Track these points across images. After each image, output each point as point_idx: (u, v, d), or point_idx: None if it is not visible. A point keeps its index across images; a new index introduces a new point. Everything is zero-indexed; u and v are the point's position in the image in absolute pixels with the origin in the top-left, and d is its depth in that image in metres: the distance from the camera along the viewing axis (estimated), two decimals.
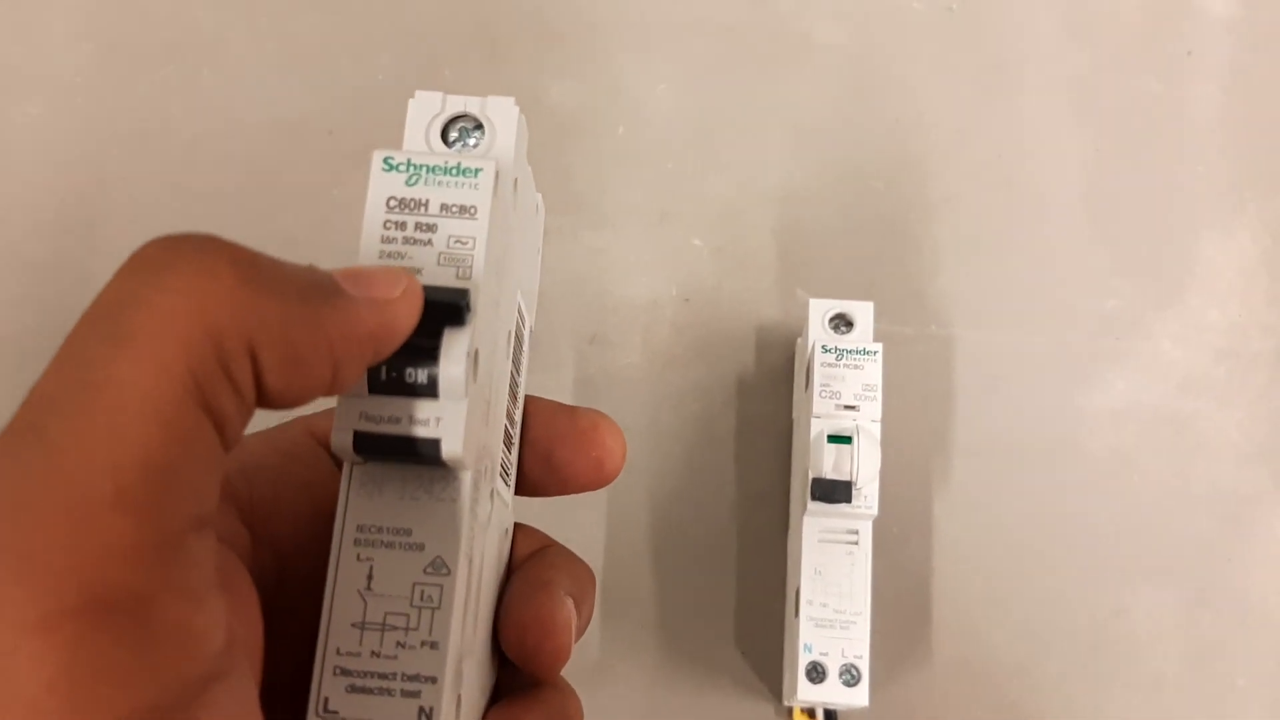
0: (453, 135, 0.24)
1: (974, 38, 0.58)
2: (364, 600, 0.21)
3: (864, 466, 0.42)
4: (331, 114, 0.58)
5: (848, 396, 0.44)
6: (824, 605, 0.43)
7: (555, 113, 0.58)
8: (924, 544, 0.51)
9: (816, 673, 0.43)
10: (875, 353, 0.44)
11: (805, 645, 0.43)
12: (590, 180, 0.57)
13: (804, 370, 0.49)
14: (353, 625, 0.21)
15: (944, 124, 0.57)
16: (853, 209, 0.56)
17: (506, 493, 0.25)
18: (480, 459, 0.23)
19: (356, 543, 0.22)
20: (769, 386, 0.53)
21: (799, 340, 0.52)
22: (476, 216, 0.22)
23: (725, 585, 0.50)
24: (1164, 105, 0.56)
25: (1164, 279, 0.54)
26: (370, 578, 0.22)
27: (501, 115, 0.24)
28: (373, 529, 0.22)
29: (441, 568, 0.22)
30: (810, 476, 0.43)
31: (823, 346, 0.45)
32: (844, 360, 0.44)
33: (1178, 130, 0.56)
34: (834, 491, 0.42)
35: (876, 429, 0.43)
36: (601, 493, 0.52)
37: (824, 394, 0.44)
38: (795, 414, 0.52)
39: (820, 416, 0.44)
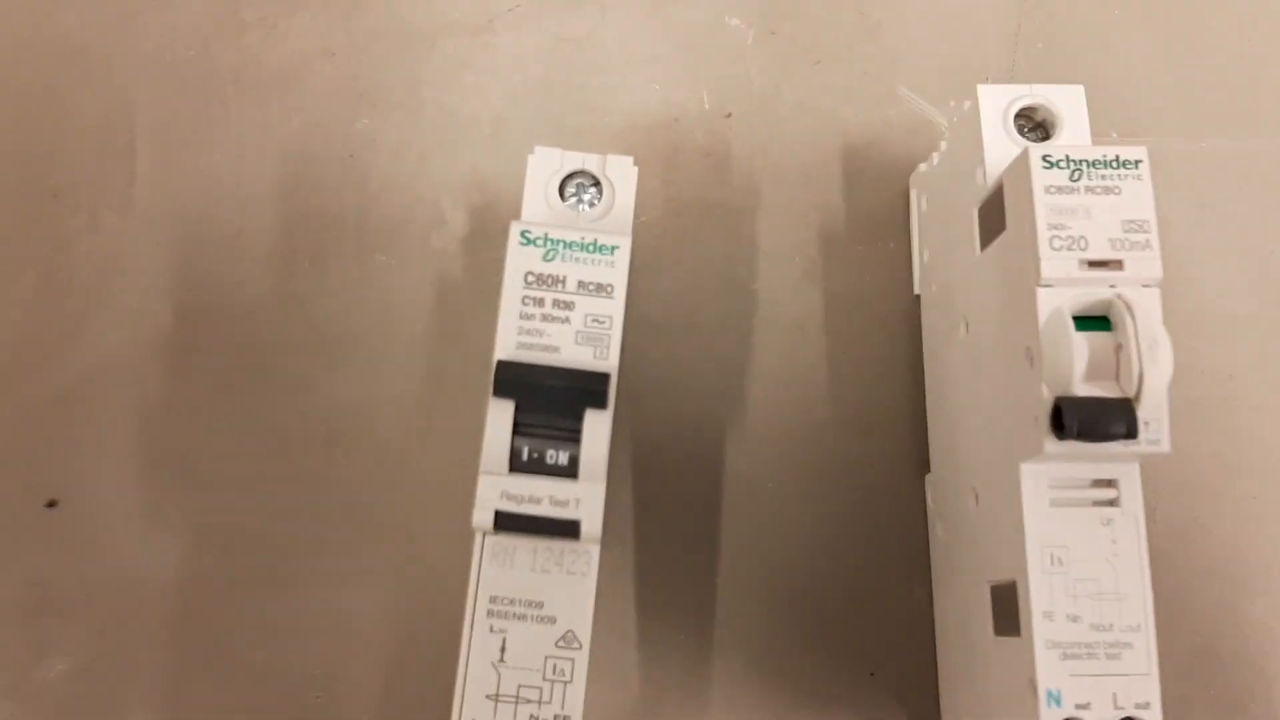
0: (569, 190, 0.26)
1: None
2: (497, 673, 0.23)
3: (1150, 369, 0.23)
4: None
5: (1098, 245, 0.24)
6: (1074, 619, 0.24)
7: None
8: (1213, 506, 0.32)
9: None
10: (1139, 163, 0.25)
11: (1049, 692, 0.24)
12: None
13: (937, 217, 0.29)
14: (487, 697, 0.23)
15: None
16: None
17: None
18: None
19: (489, 614, 0.23)
20: (868, 249, 0.33)
21: (921, 167, 0.33)
22: (613, 295, 0.24)
23: (844, 570, 0.31)
24: None
25: None
26: (504, 650, 0.23)
27: (621, 174, 0.26)
28: (505, 600, 0.24)
29: (574, 641, 0.23)
30: (1048, 395, 0.23)
31: (1044, 159, 0.25)
32: (1088, 179, 0.24)
33: None
34: (1106, 419, 0.23)
35: (1155, 300, 0.24)
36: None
37: (1058, 243, 0.24)
38: (919, 288, 0.32)
39: (1053, 283, 0.24)
